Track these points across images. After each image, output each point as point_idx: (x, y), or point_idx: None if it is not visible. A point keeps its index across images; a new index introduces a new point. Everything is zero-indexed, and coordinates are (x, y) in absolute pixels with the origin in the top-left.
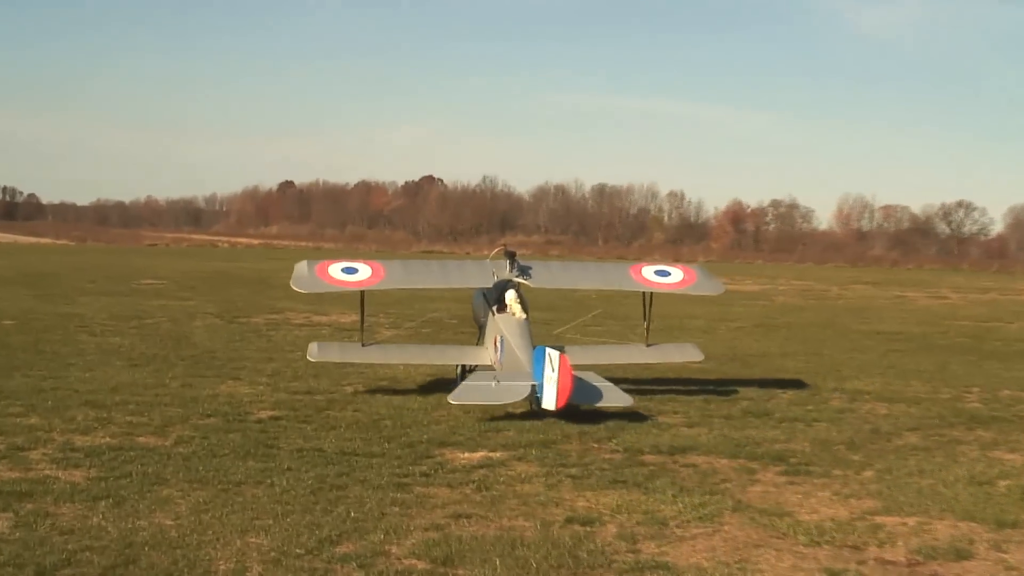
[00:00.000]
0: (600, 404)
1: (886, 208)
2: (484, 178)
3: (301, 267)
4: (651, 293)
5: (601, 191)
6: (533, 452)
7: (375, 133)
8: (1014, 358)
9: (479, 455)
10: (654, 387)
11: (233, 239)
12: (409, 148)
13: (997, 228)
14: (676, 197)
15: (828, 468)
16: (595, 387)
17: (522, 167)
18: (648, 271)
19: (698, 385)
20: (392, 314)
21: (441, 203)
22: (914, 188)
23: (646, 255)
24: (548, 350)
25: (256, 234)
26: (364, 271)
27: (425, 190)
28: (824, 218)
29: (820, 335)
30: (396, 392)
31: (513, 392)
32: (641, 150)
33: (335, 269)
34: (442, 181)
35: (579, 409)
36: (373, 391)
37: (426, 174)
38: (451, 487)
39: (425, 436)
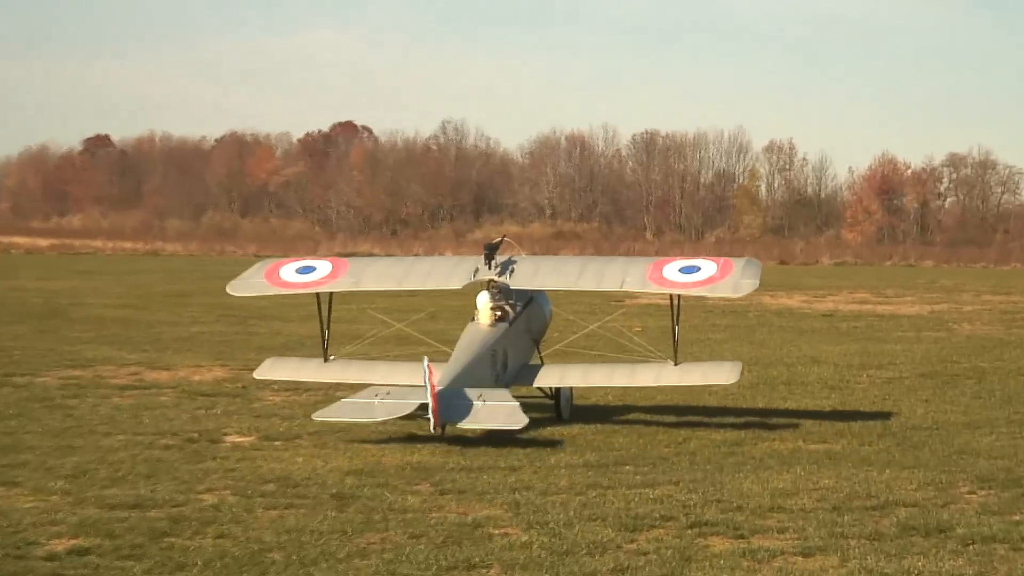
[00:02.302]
0: (485, 425)
1: None
2: (444, 125)
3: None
4: (678, 296)
5: (649, 144)
6: None
7: (259, 44)
8: None
9: None
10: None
11: (6, 238)
12: (317, 73)
13: None
14: (781, 153)
15: None
16: (476, 404)
17: (511, 105)
18: (671, 269)
19: (823, 478)
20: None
21: (370, 169)
22: None
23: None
24: (425, 361)
25: (45, 229)
26: (323, 268)
27: (341, 148)
28: None
29: None
30: (298, 496)
31: (392, 409)
32: (719, 76)
33: (287, 270)
34: (370, 131)
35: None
36: (257, 494)
37: (342, 119)
38: None
39: None
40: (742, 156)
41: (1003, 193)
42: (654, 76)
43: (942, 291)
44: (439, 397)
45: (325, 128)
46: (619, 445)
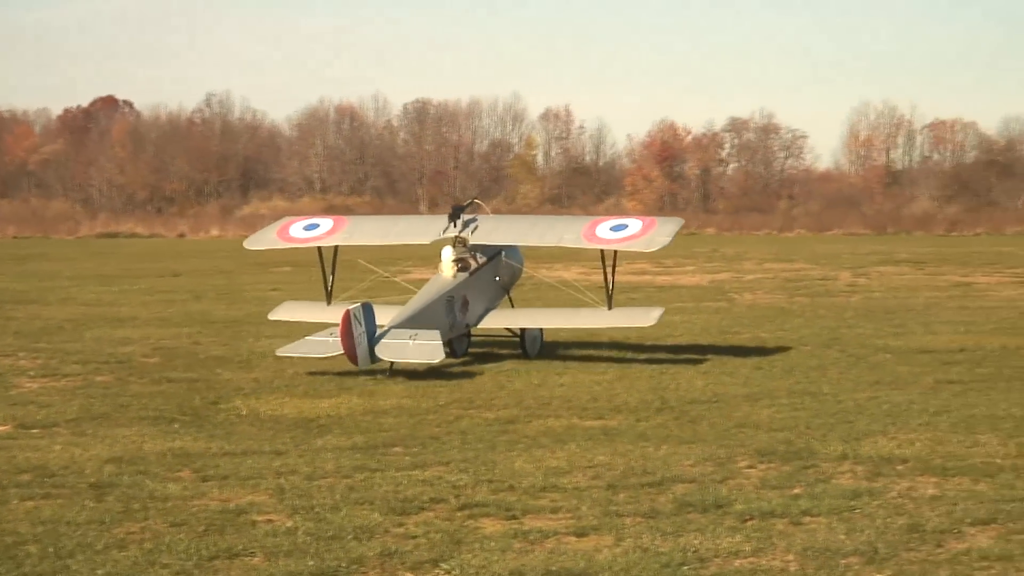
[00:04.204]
0: (405, 359)
1: (935, 127)
2: (208, 98)
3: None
4: (613, 252)
5: (421, 114)
6: None
7: (11, 16)
8: None
9: None
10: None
11: None
12: (74, 47)
13: None
14: (558, 120)
15: None
16: (407, 342)
17: (277, 76)
18: (604, 227)
19: (598, 456)
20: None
21: (132, 145)
22: (985, 90)
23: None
24: (347, 309)
25: None
26: (326, 225)
27: (102, 123)
28: (827, 149)
29: (817, 359)
30: (55, 486)
31: (334, 347)
32: (492, 42)
33: (296, 228)
34: (131, 106)
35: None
36: (12, 484)
37: (103, 94)
38: None
39: None
40: (518, 125)
41: (787, 158)
42: (425, 43)
43: (723, 260)
44: (370, 337)
45: (85, 103)
46: (388, 426)
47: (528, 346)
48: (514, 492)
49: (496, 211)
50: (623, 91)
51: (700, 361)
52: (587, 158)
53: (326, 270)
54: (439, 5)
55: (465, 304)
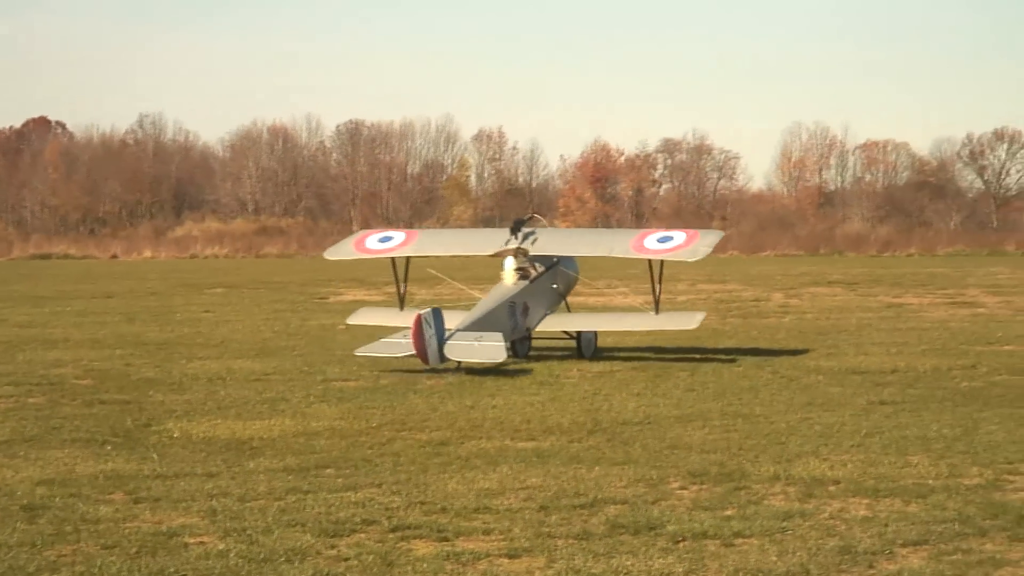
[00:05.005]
0: (472, 359)
1: (868, 148)
2: (141, 119)
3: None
4: (660, 261)
5: (354, 135)
6: None
7: None
8: None
9: None
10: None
11: None
12: (6, 64)
13: None
14: (491, 141)
15: None
16: (473, 344)
17: (210, 97)
18: (651, 239)
19: (530, 477)
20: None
21: (65, 166)
22: (917, 112)
23: None
24: (416, 314)
25: None
26: (398, 238)
27: (35, 144)
28: (759, 170)
29: (750, 381)
30: None
31: (406, 348)
32: (425, 64)
33: (372, 240)
34: (64, 127)
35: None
36: None
37: (35, 115)
38: None
39: None
40: (451, 146)
41: (719, 179)
42: (358, 64)
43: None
44: (439, 338)
45: (18, 124)
46: (321, 448)
47: (584, 347)
48: (446, 514)
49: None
50: (556, 112)
51: (633, 383)
52: (520, 179)
53: (399, 279)
54: (372, 26)
55: (525, 309)
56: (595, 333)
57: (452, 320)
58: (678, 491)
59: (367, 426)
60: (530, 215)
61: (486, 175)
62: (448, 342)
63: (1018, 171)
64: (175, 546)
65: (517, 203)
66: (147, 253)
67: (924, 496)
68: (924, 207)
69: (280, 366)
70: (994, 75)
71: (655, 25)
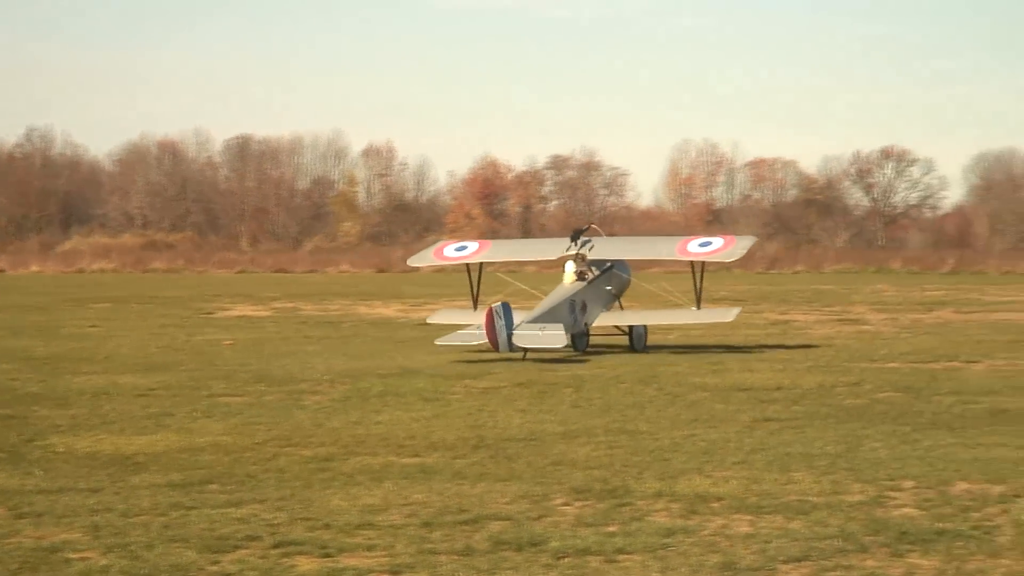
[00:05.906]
0: (537, 346)
1: (756, 166)
2: (29, 132)
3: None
4: (702, 263)
5: (243, 150)
6: None
7: None
8: (977, 423)
9: None
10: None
11: None
12: None
13: (953, 196)
14: (380, 157)
15: None
16: (536, 332)
17: (99, 110)
18: (694, 244)
19: (414, 493)
20: None
21: None
22: (805, 130)
23: (323, 264)
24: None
25: None
26: (472, 247)
27: None
28: (648, 187)
29: (635, 397)
30: None
31: (480, 337)
32: (315, 79)
33: (449, 249)
34: None
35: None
36: None
37: None
38: None
39: None
40: (340, 161)
41: (608, 195)
42: (248, 78)
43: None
44: (508, 328)
45: None
46: (205, 463)
47: (635, 341)
48: (329, 530)
49: (313, 249)
50: (445, 128)
51: (518, 399)
52: (409, 195)
53: (473, 283)
54: (262, 40)
55: (584, 307)
56: (645, 327)
57: (518, 316)
58: (561, 507)
59: (252, 442)
60: (587, 226)
61: (375, 191)
62: (516, 332)
63: (905, 189)
64: (57, 562)
65: (406, 218)
66: (34, 267)
67: (807, 513)
68: (812, 224)
69: (165, 381)
70: (883, 93)
71: (544, 41)
